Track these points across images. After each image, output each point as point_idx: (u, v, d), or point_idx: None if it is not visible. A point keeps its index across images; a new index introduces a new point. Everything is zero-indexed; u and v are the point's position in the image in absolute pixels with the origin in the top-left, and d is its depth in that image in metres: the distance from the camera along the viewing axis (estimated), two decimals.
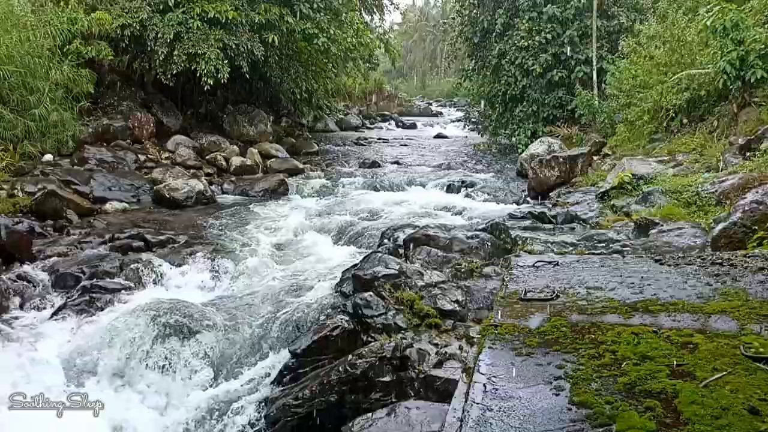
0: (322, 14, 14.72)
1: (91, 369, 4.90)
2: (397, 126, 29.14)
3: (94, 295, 5.90)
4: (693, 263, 3.28)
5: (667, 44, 11.25)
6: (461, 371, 2.40)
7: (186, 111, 15.49)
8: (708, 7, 9.23)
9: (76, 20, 12.00)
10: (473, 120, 21.48)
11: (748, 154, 7.40)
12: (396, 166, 14.87)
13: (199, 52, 12.88)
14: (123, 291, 6.10)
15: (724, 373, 1.96)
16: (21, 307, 5.80)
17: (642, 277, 3.08)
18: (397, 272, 4.97)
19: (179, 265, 6.80)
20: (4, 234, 6.43)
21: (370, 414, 3.30)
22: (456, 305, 4.58)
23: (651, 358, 2.11)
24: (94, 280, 6.19)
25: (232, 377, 4.76)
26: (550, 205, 8.51)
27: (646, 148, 10.24)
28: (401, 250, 5.89)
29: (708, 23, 8.73)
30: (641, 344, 2.23)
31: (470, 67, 19.50)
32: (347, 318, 4.53)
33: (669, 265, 3.27)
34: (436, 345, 4.09)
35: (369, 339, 4.32)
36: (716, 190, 6.37)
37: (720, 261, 3.25)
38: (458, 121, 26.16)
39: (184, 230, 8.18)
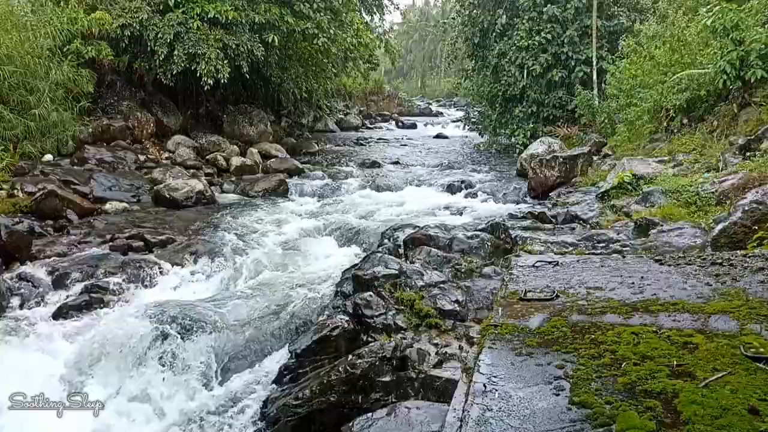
0: (322, 14, 14.73)
1: (91, 369, 4.90)
2: (397, 126, 29.13)
3: (94, 295, 5.90)
4: (693, 263, 3.28)
5: (667, 44, 11.23)
6: (461, 371, 2.40)
7: (186, 111, 15.49)
8: (708, 7, 9.23)
9: (76, 20, 12.02)
10: (473, 120, 21.47)
11: (748, 154, 7.39)
12: (396, 166, 14.87)
13: (199, 52, 12.89)
14: (123, 291, 6.11)
15: (724, 373, 1.96)
16: (21, 307, 5.81)
17: (642, 277, 3.07)
18: (397, 272, 4.97)
19: (179, 265, 6.80)
20: (4, 234, 6.43)
21: (370, 414, 3.30)
22: (456, 305, 4.58)
23: (651, 358, 2.11)
24: (94, 280, 6.19)
25: (232, 377, 4.76)
26: (550, 205, 8.51)
27: (646, 148, 10.23)
28: (401, 250, 5.89)
29: (708, 23, 8.72)
30: (641, 344, 2.23)
31: (470, 67, 19.49)
32: (347, 318, 4.53)
33: (669, 265, 3.27)
34: (436, 345, 4.09)
35: (369, 339, 4.32)
36: (716, 190, 6.37)
37: (720, 261, 3.25)
38: (458, 121, 26.14)
39: (184, 230, 8.18)
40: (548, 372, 2.08)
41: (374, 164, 14.75)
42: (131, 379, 4.80)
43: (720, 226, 5.00)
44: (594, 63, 15.38)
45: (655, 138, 10.50)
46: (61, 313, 5.65)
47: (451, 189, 11.44)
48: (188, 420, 4.39)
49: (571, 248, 5.42)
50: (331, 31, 14.96)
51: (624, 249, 5.26)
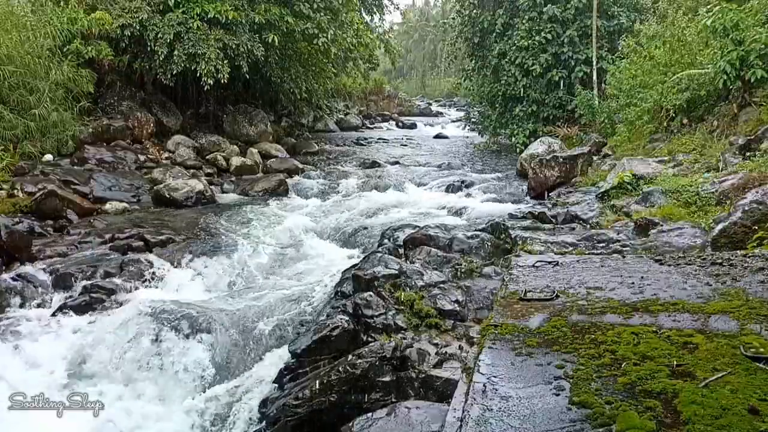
0: (322, 14, 14.73)
1: (91, 369, 4.91)
2: (397, 126, 29.14)
3: (93, 295, 5.90)
4: (693, 263, 3.28)
5: (667, 44, 11.23)
6: (461, 371, 2.40)
7: (186, 111, 15.49)
8: (708, 7, 9.23)
9: (76, 20, 12.03)
10: (473, 120, 21.47)
11: (748, 154, 7.39)
12: (396, 166, 14.86)
13: (199, 52, 12.90)
14: (123, 291, 6.10)
15: (724, 373, 1.96)
16: (21, 306, 5.81)
17: (642, 277, 3.07)
18: (397, 272, 4.96)
19: (179, 265, 6.80)
20: (4, 234, 6.43)
21: (370, 414, 3.30)
22: (456, 305, 4.57)
23: (651, 358, 2.11)
24: (94, 280, 6.19)
25: (232, 377, 4.76)
26: (550, 205, 8.49)
27: (646, 148, 10.22)
28: (401, 250, 5.89)
29: (708, 23, 8.72)
30: (641, 344, 2.23)
31: (470, 67, 19.49)
32: (347, 318, 4.53)
33: (669, 265, 3.27)
34: (436, 345, 4.09)
35: (369, 339, 4.32)
36: (716, 190, 6.36)
37: (720, 261, 3.25)
38: (458, 121, 26.13)
39: (184, 230, 8.18)
40: (548, 372, 2.08)
41: (374, 164, 14.74)
42: (131, 378, 4.81)
43: (720, 226, 5.00)
44: (594, 63, 15.38)
45: (655, 138, 10.49)
46: (61, 313, 5.65)
47: (451, 189, 11.43)
48: (188, 420, 4.39)
49: (571, 248, 5.42)
50: (331, 31, 14.97)
51: (624, 249, 5.25)
